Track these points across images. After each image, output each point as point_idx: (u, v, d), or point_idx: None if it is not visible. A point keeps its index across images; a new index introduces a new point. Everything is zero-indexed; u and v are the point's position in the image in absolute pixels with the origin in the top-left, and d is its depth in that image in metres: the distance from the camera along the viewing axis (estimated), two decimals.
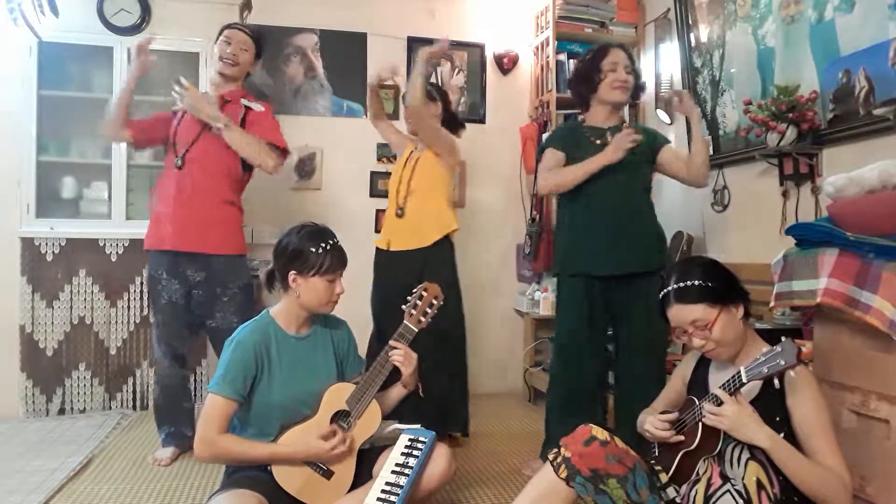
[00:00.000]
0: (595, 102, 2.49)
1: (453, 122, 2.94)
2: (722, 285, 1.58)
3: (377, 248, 2.88)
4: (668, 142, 2.55)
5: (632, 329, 2.40)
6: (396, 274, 2.73)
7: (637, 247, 2.38)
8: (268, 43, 3.24)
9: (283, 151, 2.71)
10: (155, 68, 2.69)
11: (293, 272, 1.79)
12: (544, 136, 3.36)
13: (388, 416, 1.94)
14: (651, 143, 2.47)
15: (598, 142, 2.44)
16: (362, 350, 2.45)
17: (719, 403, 1.46)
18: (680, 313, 1.58)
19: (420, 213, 2.76)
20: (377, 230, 3.65)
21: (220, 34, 2.72)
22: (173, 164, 2.61)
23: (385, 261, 2.83)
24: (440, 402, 2.64)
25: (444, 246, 2.78)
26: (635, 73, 2.48)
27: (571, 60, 3.59)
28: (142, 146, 2.89)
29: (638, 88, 2.53)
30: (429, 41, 3.77)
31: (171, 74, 3.48)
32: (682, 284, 1.58)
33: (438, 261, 2.75)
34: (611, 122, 2.49)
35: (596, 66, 2.44)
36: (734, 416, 1.43)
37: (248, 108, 2.71)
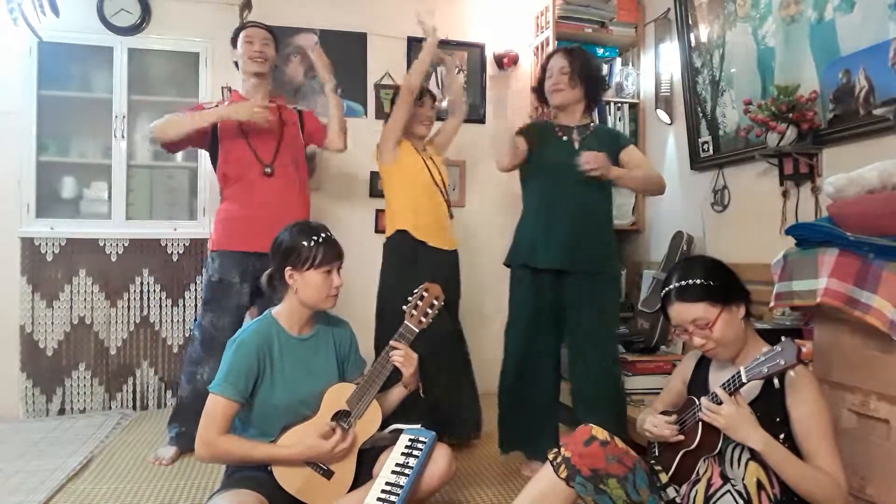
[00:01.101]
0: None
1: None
2: (724, 284, 1.58)
3: (428, 246, 2.73)
4: (630, 143, 2.55)
5: (577, 325, 2.42)
6: (449, 274, 2.78)
7: (582, 244, 2.39)
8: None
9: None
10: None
11: (289, 268, 1.80)
12: None
13: (388, 417, 1.94)
14: (612, 145, 2.47)
15: (565, 138, 2.47)
16: (369, 346, 2.46)
17: (718, 403, 1.46)
18: (681, 312, 1.58)
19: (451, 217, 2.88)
20: (377, 230, 3.65)
21: (236, 37, 2.72)
22: (256, 170, 2.63)
23: (441, 260, 2.77)
24: (450, 403, 2.69)
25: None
26: (581, 74, 2.45)
27: None
28: (178, 150, 2.90)
29: (595, 88, 2.51)
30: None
31: (170, 74, 3.52)
32: (684, 283, 1.58)
33: (457, 265, 2.87)
34: (580, 122, 2.52)
35: (543, 69, 2.55)
36: (730, 416, 1.43)
37: (298, 111, 2.86)
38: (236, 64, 2.77)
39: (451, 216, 2.87)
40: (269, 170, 2.64)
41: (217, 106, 2.71)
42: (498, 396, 2.61)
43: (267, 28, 2.77)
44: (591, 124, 2.54)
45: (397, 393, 1.94)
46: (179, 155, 3.46)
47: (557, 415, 2.53)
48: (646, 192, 2.44)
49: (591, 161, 2.26)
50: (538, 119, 3.66)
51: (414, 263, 2.70)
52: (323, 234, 1.83)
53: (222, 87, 3.40)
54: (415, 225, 2.73)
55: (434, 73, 3.80)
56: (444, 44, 3.80)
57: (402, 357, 1.86)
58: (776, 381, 1.44)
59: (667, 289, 1.62)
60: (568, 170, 2.37)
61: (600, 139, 2.47)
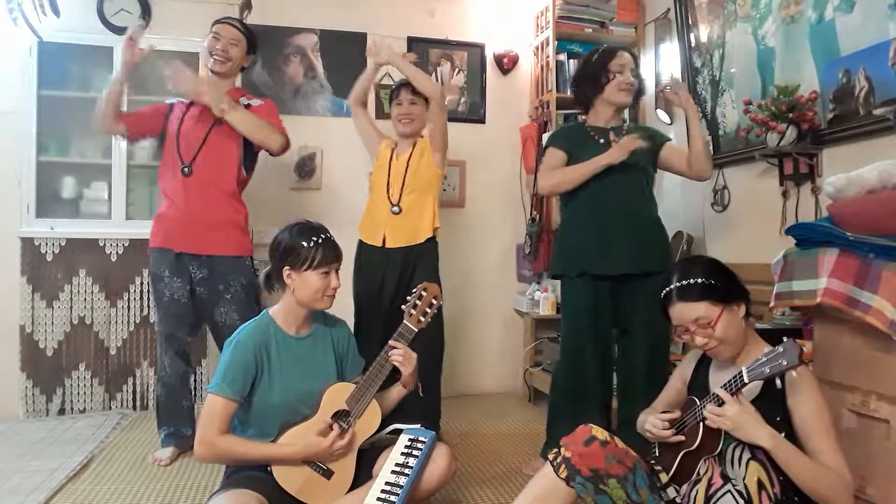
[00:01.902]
0: (599, 103, 2.51)
1: None
2: (724, 284, 1.59)
3: (364, 244, 2.81)
4: (668, 139, 2.57)
5: (635, 330, 2.41)
6: (388, 270, 2.72)
7: (639, 247, 2.38)
8: (268, 43, 3.25)
9: (285, 135, 2.72)
10: (144, 59, 2.64)
11: (287, 268, 1.80)
12: (545, 136, 3.36)
13: (387, 416, 1.94)
14: (652, 143, 2.48)
15: (602, 141, 2.44)
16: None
17: (720, 404, 1.46)
18: (683, 311, 1.58)
19: (417, 210, 2.76)
20: None
21: (209, 30, 2.70)
22: (179, 168, 2.60)
23: (376, 257, 2.78)
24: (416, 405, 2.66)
25: (433, 244, 2.79)
26: (638, 77, 2.51)
27: (571, 60, 3.59)
28: (136, 139, 2.83)
29: (640, 92, 2.58)
30: (429, 41, 3.81)
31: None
32: (684, 282, 1.58)
33: (428, 258, 2.76)
34: (613, 123, 2.51)
35: (604, 67, 2.46)
36: (736, 417, 1.43)
37: (248, 106, 2.71)
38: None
39: (396, 212, 2.77)
40: (186, 169, 2.60)
41: (173, 102, 2.73)
42: (552, 403, 2.57)
43: (243, 29, 2.71)
44: (625, 124, 2.55)
45: (396, 392, 1.94)
46: None
47: (608, 416, 2.53)
48: (700, 167, 2.42)
49: (634, 142, 2.29)
50: (538, 121, 3.66)
51: (357, 262, 2.83)
52: (323, 235, 1.83)
53: None
54: (362, 225, 2.86)
55: (434, 73, 3.80)
56: (445, 44, 3.83)
57: (402, 356, 1.86)
58: (777, 381, 1.44)
59: (667, 289, 1.62)
60: (613, 173, 2.35)
61: (641, 136, 2.42)
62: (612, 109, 2.50)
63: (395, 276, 2.71)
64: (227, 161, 2.65)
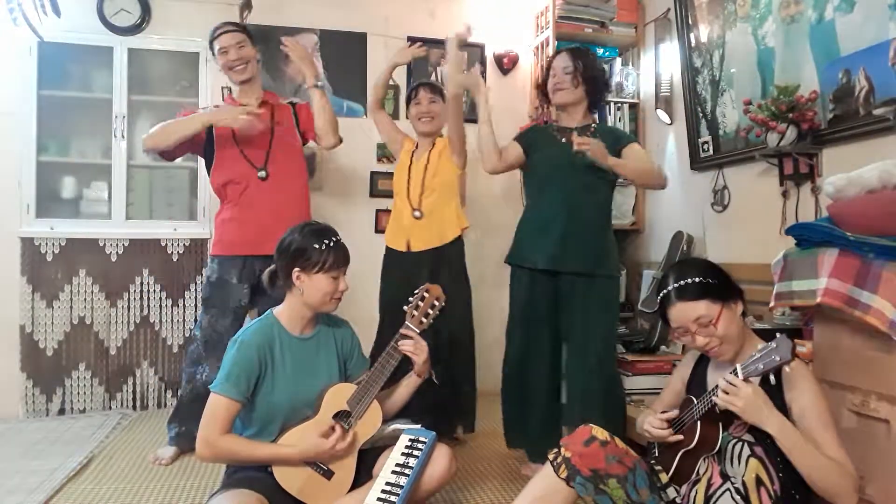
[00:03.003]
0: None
1: None
2: (721, 282, 1.59)
3: (391, 249, 2.83)
4: (632, 141, 2.51)
5: (571, 330, 2.42)
6: (415, 274, 2.70)
7: (571, 246, 2.39)
8: (268, 43, 3.25)
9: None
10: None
11: (297, 270, 1.80)
12: None
13: (400, 412, 1.95)
14: (613, 143, 2.43)
15: (563, 140, 2.46)
16: (368, 348, 2.46)
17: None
18: (683, 311, 1.58)
19: (440, 212, 2.79)
20: (378, 230, 3.64)
21: (210, 48, 2.68)
22: (247, 173, 2.61)
23: (403, 262, 2.79)
24: (449, 399, 2.68)
25: (458, 244, 2.83)
26: (589, 73, 2.46)
27: None
28: (175, 158, 2.80)
29: (598, 88, 2.51)
30: (429, 41, 3.80)
31: (170, 74, 3.52)
32: (682, 282, 1.58)
33: (453, 257, 2.80)
34: (581, 123, 2.51)
35: (548, 71, 2.54)
36: (748, 397, 1.42)
37: (292, 104, 2.79)
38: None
39: (418, 217, 2.79)
40: (262, 173, 2.62)
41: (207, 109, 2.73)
42: (501, 395, 2.61)
43: (237, 27, 2.70)
44: (593, 125, 2.53)
45: (409, 383, 1.94)
46: None
47: (558, 416, 2.52)
48: (645, 184, 2.43)
49: (584, 143, 2.23)
50: (538, 121, 3.66)
51: (384, 266, 2.88)
52: (335, 238, 1.83)
53: (222, 88, 3.40)
54: (388, 229, 2.89)
55: (434, 74, 3.81)
56: (445, 44, 3.82)
57: (413, 346, 1.86)
58: (772, 377, 1.44)
59: (665, 291, 1.62)
60: (562, 172, 2.39)
61: (601, 139, 2.42)
62: (564, 110, 2.53)
63: (424, 279, 2.62)
64: (297, 159, 2.73)
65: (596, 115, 2.65)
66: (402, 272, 2.77)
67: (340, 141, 2.80)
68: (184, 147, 2.65)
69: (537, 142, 2.53)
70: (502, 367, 2.60)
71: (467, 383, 2.85)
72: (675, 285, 1.59)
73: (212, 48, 2.69)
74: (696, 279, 1.57)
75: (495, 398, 2.67)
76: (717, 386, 1.49)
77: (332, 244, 1.81)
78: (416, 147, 2.89)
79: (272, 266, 1.89)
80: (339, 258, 1.81)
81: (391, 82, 3.62)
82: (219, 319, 2.62)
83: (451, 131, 2.79)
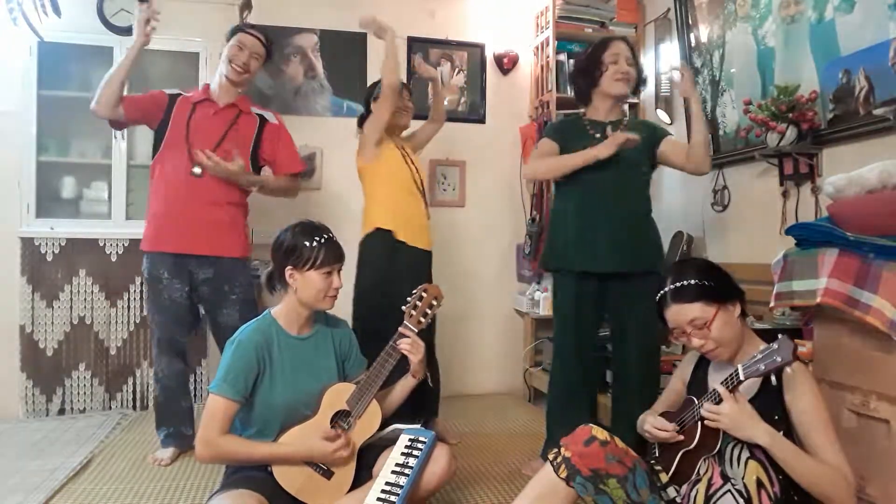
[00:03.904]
0: (596, 96, 2.47)
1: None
2: (718, 284, 1.59)
3: (405, 246, 2.69)
4: (667, 134, 2.51)
5: (628, 328, 2.39)
6: (426, 275, 2.72)
7: (626, 245, 2.36)
8: (268, 43, 3.24)
9: (301, 173, 2.87)
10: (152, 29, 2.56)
11: (289, 267, 1.80)
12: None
13: (395, 412, 1.94)
14: (651, 138, 2.43)
15: (598, 135, 2.40)
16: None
17: (719, 401, 1.46)
18: (678, 313, 1.58)
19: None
20: None
21: (232, 34, 2.66)
22: (184, 168, 2.56)
23: (422, 260, 2.76)
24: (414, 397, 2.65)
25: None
26: (637, 66, 2.46)
27: (571, 60, 3.58)
28: (128, 125, 2.79)
29: (640, 82, 2.51)
30: (429, 41, 3.81)
31: (170, 74, 3.51)
32: (678, 284, 1.58)
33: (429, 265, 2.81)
34: (612, 117, 2.47)
35: (597, 59, 2.42)
36: (733, 415, 1.43)
37: (261, 117, 2.74)
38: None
39: (429, 216, 2.84)
40: (197, 170, 2.55)
41: (176, 93, 2.69)
42: (548, 405, 2.56)
43: (264, 42, 2.69)
44: (625, 118, 2.49)
45: (404, 384, 1.94)
46: None
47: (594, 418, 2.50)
48: (699, 161, 2.36)
49: (632, 138, 2.22)
50: (539, 121, 3.66)
51: (393, 263, 2.66)
52: (325, 235, 1.83)
53: None
54: (395, 224, 2.69)
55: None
56: (445, 44, 3.83)
57: (410, 345, 1.86)
58: (773, 378, 1.44)
59: (661, 292, 1.62)
60: (604, 169, 2.30)
61: (637, 130, 2.37)
62: (609, 102, 2.46)
63: (427, 279, 2.71)
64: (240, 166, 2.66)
65: (626, 108, 2.61)
66: (420, 270, 2.71)
67: (300, 187, 2.93)
68: (134, 111, 2.62)
69: (572, 137, 2.45)
70: (551, 379, 2.54)
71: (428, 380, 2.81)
72: (671, 287, 1.59)
73: (229, 36, 2.67)
74: (692, 281, 1.57)
75: (496, 398, 2.70)
76: (713, 389, 1.49)
77: (323, 241, 1.81)
78: (397, 146, 2.83)
79: (269, 268, 1.89)
80: (330, 255, 1.81)
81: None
82: (155, 315, 2.65)
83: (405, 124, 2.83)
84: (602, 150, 2.27)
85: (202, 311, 2.73)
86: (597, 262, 2.35)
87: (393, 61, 2.69)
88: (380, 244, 2.68)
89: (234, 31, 2.68)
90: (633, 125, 2.47)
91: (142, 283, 3.33)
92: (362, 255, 2.73)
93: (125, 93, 2.61)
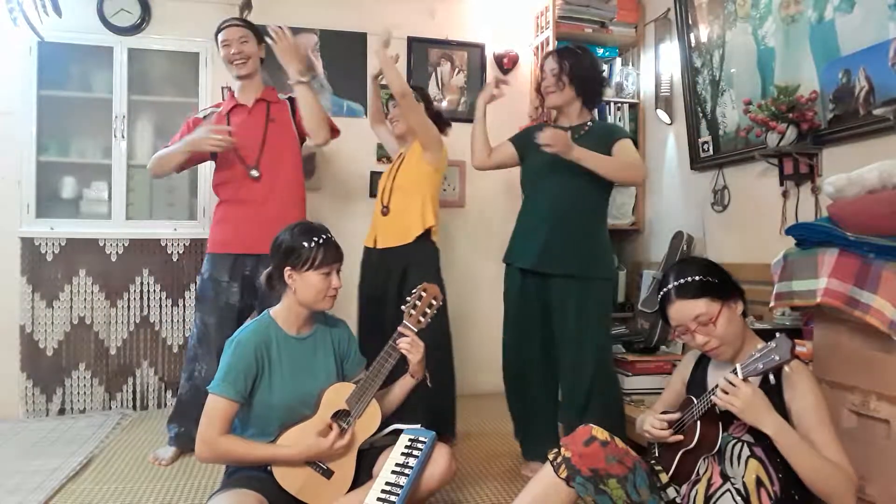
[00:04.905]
0: None
1: (438, 121, 2.94)
2: (721, 281, 1.59)
3: (365, 247, 2.90)
4: (623, 137, 2.46)
5: (565, 328, 2.40)
6: (382, 271, 2.76)
7: (557, 247, 2.38)
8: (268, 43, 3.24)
9: (335, 130, 2.79)
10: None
11: (288, 268, 1.80)
12: None
13: (394, 412, 1.94)
14: (606, 140, 2.41)
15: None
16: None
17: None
18: (683, 309, 1.58)
19: (403, 209, 2.77)
20: None
21: (216, 41, 2.70)
22: (242, 174, 2.61)
23: (372, 258, 2.85)
24: (429, 406, 2.61)
25: (426, 245, 2.79)
26: (571, 74, 2.43)
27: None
28: (184, 170, 2.86)
29: (584, 86, 2.46)
30: (429, 41, 3.81)
31: (170, 74, 3.52)
32: (682, 281, 1.59)
33: (421, 259, 2.74)
34: (577, 122, 2.50)
35: (541, 71, 2.55)
36: (746, 398, 1.42)
37: (290, 98, 2.76)
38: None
39: (385, 213, 2.85)
40: (255, 173, 2.62)
41: (210, 114, 2.77)
42: (505, 393, 2.62)
43: (243, 23, 2.72)
44: (588, 123, 2.50)
45: (403, 384, 1.94)
46: None
47: (555, 415, 2.52)
48: (616, 179, 2.36)
49: (546, 138, 2.22)
50: (539, 121, 3.66)
51: (368, 267, 2.88)
52: (324, 236, 1.83)
53: (222, 88, 3.40)
54: (369, 231, 2.88)
55: (434, 74, 3.81)
56: (445, 44, 3.83)
57: (409, 344, 1.86)
58: (772, 377, 1.44)
59: (665, 289, 1.62)
60: (553, 173, 2.39)
61: (596, 136, 2.42)
62: (562, 111, 2.52)
63: (393, 277, 2.72)
64: (290, 158, 2.70)
65: (595, 113, 2.63)
66: (373, 269, 2.82)
67: (334, 135, 2.76)
68: (188, 164, 2.74)
69: (530, 143, 2.48)
70: (502, 367, 2.60)
71: (444, 391, 2.78)
72: (676, 283, 1.60)
73: (217, 41, 2.70)
74: (697, 277, 1.58)
75: (496, 398, 2.68)
76: (716, 385, 1.49)
77: (321, 241, 1.81)
78: (403, 150, 2.93)
79: (269, 268, 1.89)
80: (328, 255, 1.81)
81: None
82: (208, 317, 2.64)
83: (412, 126, 2.79)
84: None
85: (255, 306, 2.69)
86: (525, 259, 2.44)
87: (391, 72, 2.66)
88: (432, 243, 2.81)
89: (215, 36, 2.72)
90: (596, 129, 2.48)
91: (142, 284, 3.35)
92: (422, 253, 2.75)
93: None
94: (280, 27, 2.62)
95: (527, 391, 2.51)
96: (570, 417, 2.37)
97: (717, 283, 1.58)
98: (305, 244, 1.80)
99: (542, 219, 2.43)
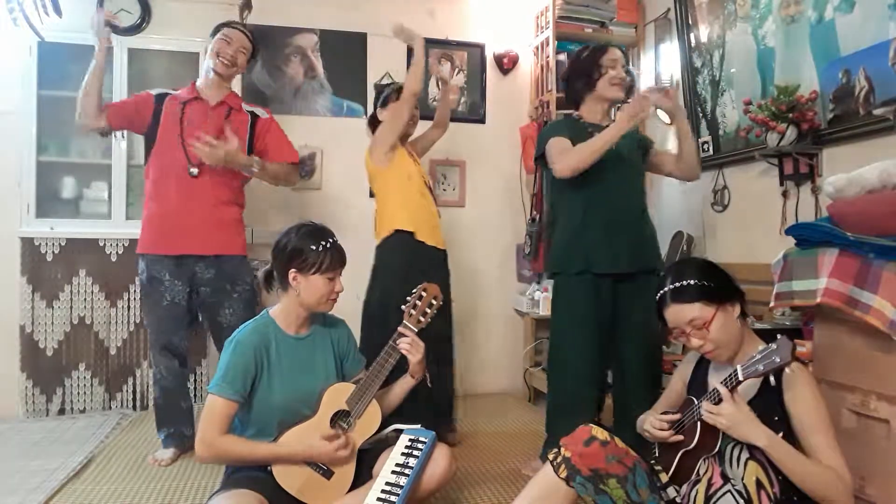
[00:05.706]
0: (591, 100, 2.49)
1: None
2: (718, 284, 1.58)
3: (423, 245, 2.71)
4: (653, 143, 2.61)
5: (631, 328, 2.39)
6: (440, 271, 2.74)
7: (638, 245, 2.39)
8: (268, 43, 3.25)
9: (295, 164, 2.83)
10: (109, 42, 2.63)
11: (293, 270, 1.80)
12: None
13: (394, 412, 1.94)
14: (641, 144, 2.50)
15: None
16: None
17: (718, 400, 1.46)
18: (677, 313, 1.58)
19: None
20: None
21: (217, 30, 2.67)
22: (181, 167, 2.55)
23: (438, 260, 2.78)
24: (428, 395, 2.63)
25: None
26: (630, 73, 2.53)
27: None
28: (115, 132, 2.80)
29: (631, 88, 2.60)
30: (429, 41, 3.80)
31: (170, 74, 3.51)
32: (678, 284, 1.58)
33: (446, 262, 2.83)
34: (606, 121, 2.49)
35: (595, 63, 2.45)
36: (731, 415, 1.43)
37: (253, 114, 2.74)
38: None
39: (440, 215, 2.88)
40: (194, 170, 2.55)
41: (163, 94, 2.67)
42: (550, 406, 2.52)
43: (251, 38, 2.71)
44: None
45: (403, 384, 1.94)
46: None
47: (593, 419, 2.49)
48: (691, 169, 2.47)
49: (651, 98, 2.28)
50: (538, 121, 3.66)
51: (413, 264, 2.63)
52: (331, 240, 1.83)
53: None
54: (415, 225, 2.70)
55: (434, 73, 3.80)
56: (445, 44, 3.83)
57: (410, 344, 1.86)
58: (773, 378, 1.44)
59: (661, 292, 1.62)
60: (614, 169, 2.33)
61: (630, 137, 2.39)
62: (604, 106, 2.49)
63: (445, 278, 2.75)
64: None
65: (613, 113, 2.64)
66: (438, 269, 2.73)
67: (299, 177, 2.97)
68: (119, 118, 2.63)
69: (576, 137, 2.42)
70: (553, 380, 2.51)
71: (444, 385, 2.77)
72: (671, 287, 1.59)
73: (216, 32, 2.67)
74: (692, 281, 1.57)
75: (496, 398, 2.69)
76: (714, 389, 1.49)
77: (329, 245, 1.81)
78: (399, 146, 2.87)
79: (267, 267, 1.89)
80: (335, 260, 1.81)
81: (387, 80, 3.59)
82: (152, 317, 2.63)
83: (388, 119, 2.81)
84: (625, 125, 2.24)
85: (199, 312, 2.72)
86: (615, 263, 2.35)
87: (421, 69, 2.72)
88: (400, 246, 2.69)
89: (218, 28, 2.69)
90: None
91: (140, 286, 3.35)
92: (381, 258, 2.73)
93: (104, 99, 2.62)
94: (207, 141, 2.47)
95: (586, 402, 2.41)
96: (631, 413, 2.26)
97: (713, 286, 1.57)
98: (313, 247, 1.79)
99: (621, 217, 2.37)
